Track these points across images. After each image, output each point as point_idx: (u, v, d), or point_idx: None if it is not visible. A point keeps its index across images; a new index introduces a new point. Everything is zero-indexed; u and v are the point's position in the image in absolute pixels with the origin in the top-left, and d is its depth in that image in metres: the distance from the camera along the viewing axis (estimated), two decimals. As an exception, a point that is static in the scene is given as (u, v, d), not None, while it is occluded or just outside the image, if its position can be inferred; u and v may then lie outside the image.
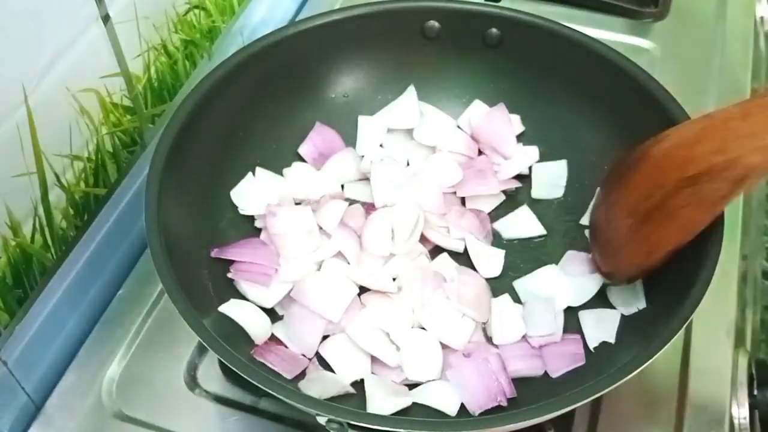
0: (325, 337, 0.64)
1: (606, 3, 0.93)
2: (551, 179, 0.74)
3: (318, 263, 0.68)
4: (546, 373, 0.63)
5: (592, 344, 0.64)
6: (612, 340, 0.63)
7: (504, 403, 0.60)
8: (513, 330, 0.64)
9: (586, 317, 0.65)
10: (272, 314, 0.66)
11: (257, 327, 0.64)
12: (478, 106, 0.77)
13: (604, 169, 0.71)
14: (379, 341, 0.63)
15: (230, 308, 0.64)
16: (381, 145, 0.76)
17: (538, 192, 0.74)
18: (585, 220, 0.71)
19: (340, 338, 0.63)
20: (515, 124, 0.76)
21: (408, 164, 0.75)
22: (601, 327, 0.64)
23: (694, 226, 0.57)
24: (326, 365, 0.63)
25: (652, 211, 0.59)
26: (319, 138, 0.75)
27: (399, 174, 0.72)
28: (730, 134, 0.55)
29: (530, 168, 0.75)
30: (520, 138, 0.76)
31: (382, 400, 0.60)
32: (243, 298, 0.66)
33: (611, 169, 0.65)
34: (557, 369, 0.62)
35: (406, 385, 0.62)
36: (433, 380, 0.62)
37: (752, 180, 0.55)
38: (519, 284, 0.68)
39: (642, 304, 0.63)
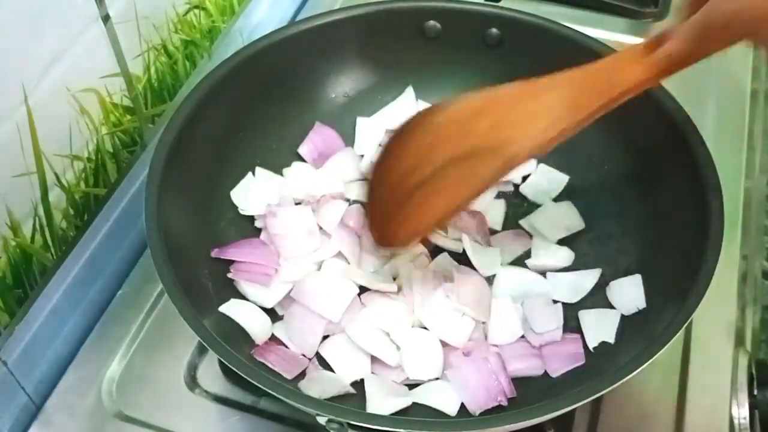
0: (325, 338, 0.64)
1: (606, 3, 0.93)
2: (549, 186, 0.74)
3: (318, 263, 0.68)
4: (546, 373, 0.63)
5: (592, 344, 0.64)
6: (612, 340, 0.63)
7: (504, 403, 0.60)
8: (511, 330, 0.64)
9: (586, 317, 0.65)
10: (272, 314, 0.66)
11: (257, 327, 0.64)
12: None
13: (603, 169, 0.71)
14: (379, 341, 0.63)
15: (230, 308, 0.64)
16: (380, 145, 0.76)
17: (535, 197, 0.74)
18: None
19: (340, 338, 0.63)
20: None
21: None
22: (600, 327, 0.64)
23: (458, 203, 0.57)
24: (326, 365, 0.63)
25: (420, 185, 0.57)
26: (319, 138, 0.75)
27: None
28: (513, 113, 0.54)
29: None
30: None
31: (382, 400, 0.60)
32: (243, 298, 0.66)
33: (393, 131, 0.60)
34: (557, 369, 0.62)
35: (407, 385, 0.62)
36: (433, 380, 0.62)
37: (522, 161, 0.55)
38: (512, 277, 0.68)
39: (642, 304, 0.63)
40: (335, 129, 0.76)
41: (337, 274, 0.66)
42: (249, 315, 0.64)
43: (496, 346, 0.64)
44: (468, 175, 0.55)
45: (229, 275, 0.66)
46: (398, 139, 0.58)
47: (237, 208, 0.70)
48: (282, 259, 0.67)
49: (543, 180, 0.74)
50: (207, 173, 0.69)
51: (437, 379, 0.62)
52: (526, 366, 0.63)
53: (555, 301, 0.66)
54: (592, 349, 0.63)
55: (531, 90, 0.55)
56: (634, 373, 0.52)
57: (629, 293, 0.65)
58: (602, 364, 0.61)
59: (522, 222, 0.72)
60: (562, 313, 0.66)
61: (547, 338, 0.64)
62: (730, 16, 0.48)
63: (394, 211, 0.59)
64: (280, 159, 0.74)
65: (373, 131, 0.76)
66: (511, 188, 0.74)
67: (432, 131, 0.57)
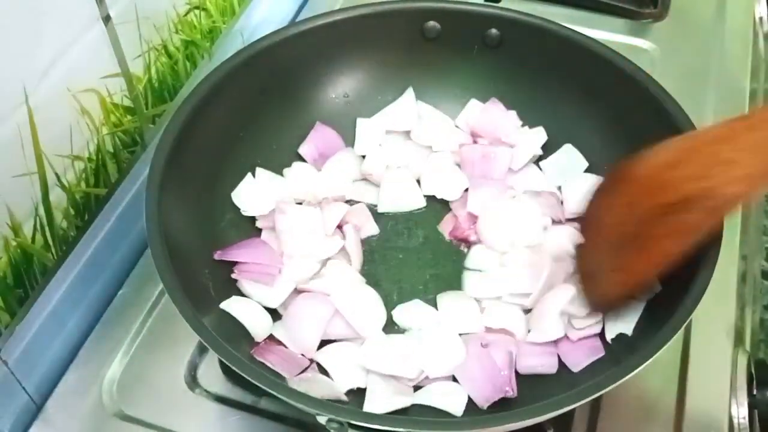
0: (322, 343, 0.64)
1: (606, 3, 0.93)
2: (563, 167, 0.74)
3: (322, 262, 0.68)
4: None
5: (610, 335, 0.63)
6: (629, 332, 0.62)
7: (511, 394, 0.59)
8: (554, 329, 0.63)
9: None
10: (273, 313, 0.66)
11: (258, 324, 0.64)
12: (473, 105, 0.77)
13: (603, 169, 0.71)
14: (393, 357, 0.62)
15: (231, 305, 0.64)
16: (380, 145, 0.76)
17: (555, 181, 0.74)
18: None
19: (338, 345, 0.63)
20: (513, 117, 0.76)
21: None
22: (620, 318, 0.63)
23: (667, 257, 0.55)
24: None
25: (627, 239, 0.56)
26: (319, 138, 0.75)
27: (407, 184, 0.73)
28: (710, 160, 0.53)
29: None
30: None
31: (383, 399, 0.60)
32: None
33: (596, 189, 0.61)
34: (578, 363, 0.62)
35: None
36: (440, 380, 0.62)
37: (728, 210, 0.53)
38: None
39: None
40: (336, 129, 0.76)
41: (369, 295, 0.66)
42: (250, 312, 0.64)
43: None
44: (674, 229, 0.54)
45: (233, 276, 0.66)
46: (598, 202, 0.59)
47: (237, 208, 0.71)
48: (286, 257, 0.67)
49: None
50: (207, 173, 0.69)
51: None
52: (540, 363, 0.63)
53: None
54: (609, 341, 0.63)
55: (725, 134, 0.54)
56: (634, 372, 0.52)
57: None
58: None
59: None
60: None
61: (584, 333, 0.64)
62: None
63: (603, 271, 0.59)
64: (280, 159, 0.74)
65: (373, 132, 0.76)
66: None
67: (631, 188, 0.56)
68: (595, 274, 0.61)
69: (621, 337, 0.62)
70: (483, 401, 0.60)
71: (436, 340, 0.63)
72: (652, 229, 0.55)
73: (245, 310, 0.64)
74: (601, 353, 0.62)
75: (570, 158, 0.74)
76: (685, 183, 0.53)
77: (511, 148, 0.74)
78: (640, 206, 0.55)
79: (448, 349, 0.62)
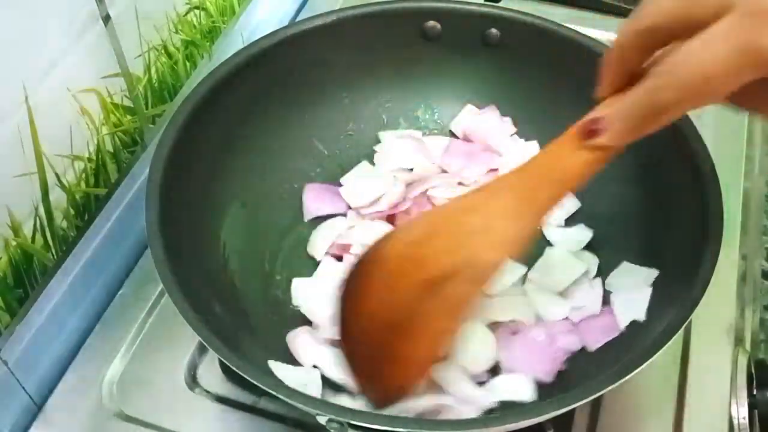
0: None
1: (606, 3, 0.93)
2: None
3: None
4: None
5: (623, 323, 0.63)
6: (642, 318, 0.62)
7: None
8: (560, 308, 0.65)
9: (617, 296, 0.65)
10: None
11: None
12: (469, 110, 0.77)
13: (602, 169, 0.71)
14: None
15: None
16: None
17: None
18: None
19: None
20: (507, 124, 0.76)
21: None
22: (631, 305, 0.64)
23: (443, 335, 0.54)
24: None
25: (396, 324, 0.53)
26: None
27: None
28: (463, 229, 0.52)
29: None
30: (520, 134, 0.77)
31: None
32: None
33: (344, 280, 0.56)
34: (596, 341, 0.63)
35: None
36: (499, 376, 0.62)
37: (490, 277, 0.52)
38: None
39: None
40: (334, 129, 0.76)
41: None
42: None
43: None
44: (443, 306, 0.52)
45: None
46: (352, 291, 0.55)
47: (238, 208, 0.71)
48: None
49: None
50: (208, 173, 0.69)
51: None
52: (567, 342, 0.63)
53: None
54: (623, 328, 0.63)
55: (473, 203, 0.53)
56: (634, 373, 0.52)
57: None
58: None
59: None
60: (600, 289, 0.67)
61: (586, 313, 0.65)
62: (681, 90, 0.43)
63: (382, 365, 0.55)
64: (281, 159, 0.74)
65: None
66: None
67: (385, 270, 0.54)
68: (371, 371, 0.56)
69: (623, 337, 0.63)
70: (549, 376, 0.61)
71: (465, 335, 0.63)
72: (420, 308, 0.52)
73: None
74: (618, 332, 0.63)
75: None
76: (441, 256, 0.52)
77: (499, 156, 0.75)
78: (400, 287, 0.53)
79: (482, 345, 0.63)
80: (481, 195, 0.54)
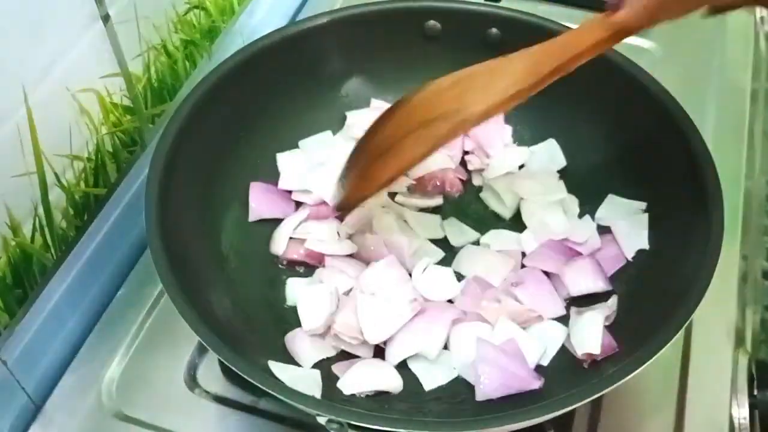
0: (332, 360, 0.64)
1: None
2: (546, 162, 0.75)
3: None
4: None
5: (629, 254, 0.67)
6: (646, 246, 0.66)
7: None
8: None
9: (619, 228, 0.68)
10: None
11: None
12: None
13: (604, 170, 0.71)
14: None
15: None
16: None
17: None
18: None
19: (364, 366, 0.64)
20: (507, 133, 0.76)
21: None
22: (633, 234, 0.67)
23: (406, 163, 0.61)
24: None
25: (387, 149, 0.61)
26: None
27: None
28: (469, 85, 0.59)
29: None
30: (516, 138, 0.77)
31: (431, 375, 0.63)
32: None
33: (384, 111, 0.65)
34: (609, 269, 0.67)
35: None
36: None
37: (468, 126, 0.59)
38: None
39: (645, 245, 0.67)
40: (334, 129, 0.76)
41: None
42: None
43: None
44: (424, 136, 0.60)
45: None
46: (382, 117, 0.63)
47: (237, 208, 0.71)
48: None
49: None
50: (207, 173, 0.69)
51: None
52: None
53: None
54: (630, 259, 0.67)
55: (496, 64, 0.60)
56: (634, 373, 0.52)
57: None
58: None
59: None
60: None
61: (591, 245, 0.68)
62: None
63: (361, 172, 0.63)
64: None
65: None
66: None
67: (409, 106, 0.61)
68: (347, 178, 0.64)
69: (623, 337, 0.62)
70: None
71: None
72: (403, 139, 0.60)
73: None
74: (624, 261, 0.67)
75: (550, 154, 0.75)
76: (445, 102, 0.59)
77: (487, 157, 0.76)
78: (410, 122, 0.60)
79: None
80: (505, 58, 0.60)
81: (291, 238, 0.70)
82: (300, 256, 0.70)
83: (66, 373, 0.67)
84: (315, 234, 0.70)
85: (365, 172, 0.62)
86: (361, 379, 0.62)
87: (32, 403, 0.65)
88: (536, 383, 0.60)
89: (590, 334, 0.62)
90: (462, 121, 0.59)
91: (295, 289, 0.68)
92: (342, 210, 0.68)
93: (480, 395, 0.60)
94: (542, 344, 0.63)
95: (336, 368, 0.63)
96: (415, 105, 0.61)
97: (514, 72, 0.59)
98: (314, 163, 0.73)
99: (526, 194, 0.72)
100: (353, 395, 0.61)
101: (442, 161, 0.75)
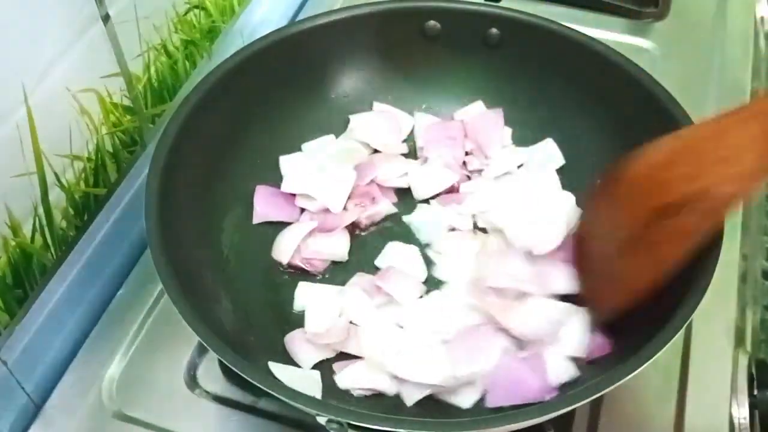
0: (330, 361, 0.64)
1: (606, 3, 0.93)
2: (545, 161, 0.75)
3: None
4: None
5: None
6: None
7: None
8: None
9: None
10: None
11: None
12: (477, 106, 0.77)
13: (603, 169, 0.71)
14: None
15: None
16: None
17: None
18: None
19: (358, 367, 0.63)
20: (506, 134, 0.76)
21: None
22: None
23: (668, 262, 0.53)
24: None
25: (626, 245, 0.54)
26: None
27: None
28: (703, 158, 0.51)
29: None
30: (515, 139, 0.77)
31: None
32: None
33: (591, 190, 0.59)
34: None
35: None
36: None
37: (726, 211, 0.51)
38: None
39: None
40: (334, 129, 0.76)
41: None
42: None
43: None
44: (673, 232, 0.52)
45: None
46: (596, 206, 0.57)
47: (238, 207, 0.70)
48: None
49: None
50: (207, 173, 0.69)
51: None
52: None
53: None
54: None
55: (716, 131, 0.52)
56: (634, 373, 0.52)
57: None
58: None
59: None
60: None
61: None
62: None
63: (605, 281, 0.57)
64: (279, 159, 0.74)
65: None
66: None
67: (627, 190, 0.54)
68: (598, 285, 0.58)
69: (623, 337, 0.62)
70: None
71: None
72: (650, 233, 0.53)
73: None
74: None
75: (547, 153, 0.75)
76: (680, 183, 0.51)
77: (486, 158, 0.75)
78: (636, 209, 0.53)
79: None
80: (725, 121, 0.51)
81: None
82: (302, 262, 0.69)
83: (66, 373, 0.67)
84: (325, 250, 0.69)
85: (619, 273, 0.55)
86: (358, 376, 0.62)
87: (32, 403, 0.65)
88: (549, 395, 0.59)
89: (576, 337, 0.61)
90: (712, 209, 0.50)
91: (306, 293, 0.67)
92: (607, 320, 0.59)
93: (490, 402, 0.60)
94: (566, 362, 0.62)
95: (336, 366, 0.63)
96: (636, 187, 0.53)
97: (743, 146, 0.49)
98: (317, 167, 0.73)
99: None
100: (353, 396, 0.62)
101: (449, 178, 0.74)
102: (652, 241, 0.53)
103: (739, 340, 0.68)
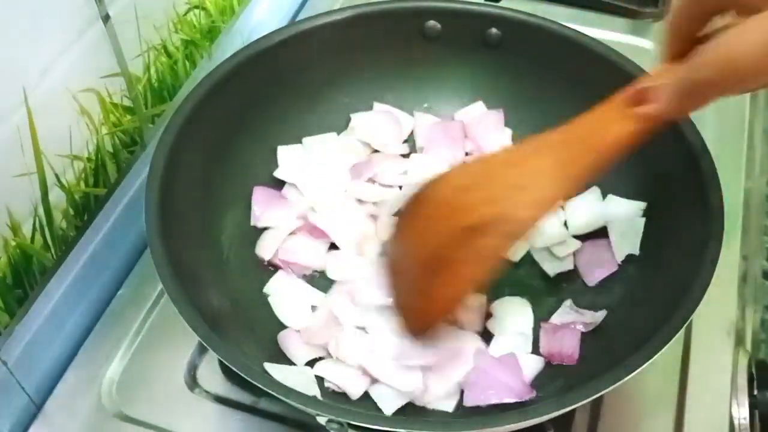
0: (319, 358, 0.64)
1: (606, 3, 0.93)
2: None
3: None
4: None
5: (619, 257, 0.67)
6: (636, 252, 0.66)
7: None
8: None
9: (615, 228, 0.68)
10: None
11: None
12: (478, 107, 0.77)
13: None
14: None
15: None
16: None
17: None
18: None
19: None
20: (506, 135, 0.76)
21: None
22: (627, 238, 0.67)
23: (470, 283, 0.55)
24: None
25: (430, 263, 0.55)
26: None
27: None
28: (501, 183, 0.53)
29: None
30: (515, 139, 0.77)
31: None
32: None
33: (399, 211, 0.59)
34: (595, 278, 0.67)
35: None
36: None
37: (522, 234, 0.53)
38: None
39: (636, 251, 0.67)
40: (334, 130, 0.76)
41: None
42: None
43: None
44: (475, 254, 0.54)
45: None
46: (402, 224, 0.58)
47: (238, 207, 0.70)
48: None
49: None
50: (208, 173, 0.69)
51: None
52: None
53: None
54: (619, 262, 0.67)
55: (516, 158, 0.55)
56: (634, 373, 0.52)
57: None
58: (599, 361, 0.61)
59: None
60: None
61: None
62: (716, 73, 0.44)
63: (415, 299, 0.58)
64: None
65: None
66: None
67: (431, 209, 0.56)
68: (406, 302, 0.59)
69: (623, 337, 0.63)
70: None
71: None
72: (453, 253, 0.54)
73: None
74: (615, 267, 0.67)
75: None
76: (480, 206, 0.53)
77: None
78: (440, 229, 0.55)
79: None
80: (523, 150, 0.54)
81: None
82: (281, 263, 0.69)
83: (66, 373, 0.67)
84: (302, 255, 0.69)
85: (424, 289, 0.56)
86: (330, 370, 0.62)
87: (32, 403, 0.65)
88: (527, 395, 0.59)
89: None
90: (510, 232, 0.53)
91: (278, 282, 0.68)
92: (414, 336, 0.60)
93: (468, 401, 0.60)
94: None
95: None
96: (440, 207, 0.55)
97: (540, 173, 0.52)
98: (314, 161, 0.73)
99: None
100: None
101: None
102: (454, 260, 0.54)
103: (739, 340, 0.68)
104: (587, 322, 0.64)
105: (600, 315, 0.64)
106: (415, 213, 0.56)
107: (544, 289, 0.69)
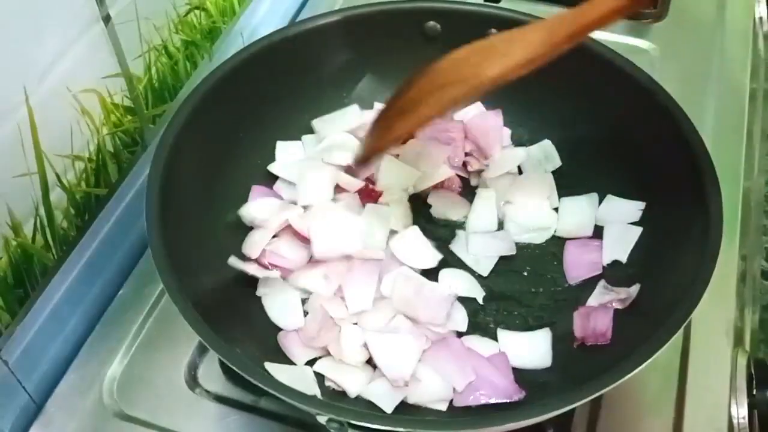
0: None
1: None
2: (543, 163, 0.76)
3: None
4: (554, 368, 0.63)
5: (606, 260, 0.67)
6: (624, 260, 0.67)
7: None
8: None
9: (610, 230, 0.69)
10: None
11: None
12: (476, 107, 0.77)
13: (603, 170, 0.72)
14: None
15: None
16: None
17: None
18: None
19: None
20: (505, 135, 0.77)
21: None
22: (619, 243, 0.68)
23: (425, 120, 0.63)
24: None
25: (403, 106, 0.62)
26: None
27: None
28: (490, 53, 0.60)
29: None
30: (514, 140, 0.77)
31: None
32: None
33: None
34: (578, 276, 0.68)
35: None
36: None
37: (483, 89, 0.60)
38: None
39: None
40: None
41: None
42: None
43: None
44: (441, 97, 0.61)
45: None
46: (405, 83, 0.63)
47: (238, 208, 0.71)
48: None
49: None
50: (208, 173, 0.69)
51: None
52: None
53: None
54: (605, 264, 0.68)
55: (513, 34, 0.60)
56: (634, 372, 0.52)
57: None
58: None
59: None
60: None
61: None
62: None
63: (380, 129, 0.65)
64: (280, 159, 0.74)
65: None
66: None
67: (431, 73, 0.62)
68: (373, 132, 0.66)
69: (621, 337, 0.63)
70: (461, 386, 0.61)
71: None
72: (423, 100, 0.62)
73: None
74: (599, 270, 0.68)
75: (545, 155, 0.76)
76: (464, 68, 0.60)
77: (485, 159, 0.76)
78: (430, 85, 0.62)
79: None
80: (523, 29, 0.60)
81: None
82: (270, 266, 0.68)
83: (67, 372, 0.68)
84: (288, 259, 0.69)
85: (384, 129, 0.64)
86: (330, 368, 0.62)
87: (33, 403, 0.66)
88: (516, 395, 0.60)
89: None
90: (478, 84, 0.60)
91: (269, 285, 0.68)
92: (360, 163, 0.68)
93: (458, 401, 0.60)
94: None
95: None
96: (437, 71, 0.62)
97: (531, 41, 0.59)
98: (311, 157, 0.74)
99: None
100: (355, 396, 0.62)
101: (444, 173, 0.75)
102: (420, 104, 0.62)
103: (738, 340, 0.69)
104: (622, 298, 0.64)
105: (634, 289, 0.64)
106: (419, 75, 0.63)
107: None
